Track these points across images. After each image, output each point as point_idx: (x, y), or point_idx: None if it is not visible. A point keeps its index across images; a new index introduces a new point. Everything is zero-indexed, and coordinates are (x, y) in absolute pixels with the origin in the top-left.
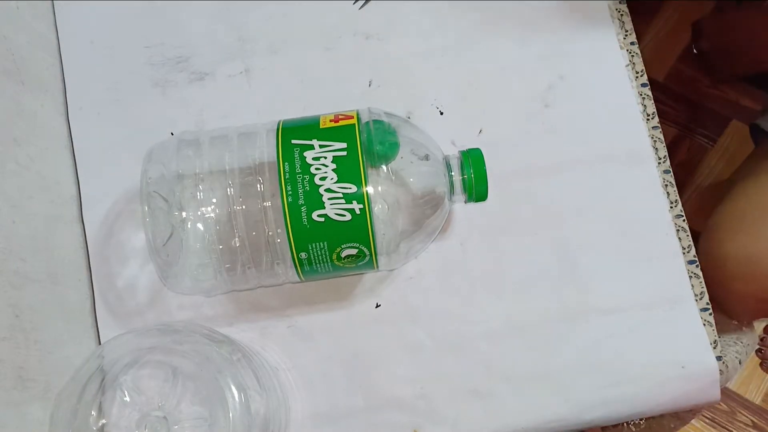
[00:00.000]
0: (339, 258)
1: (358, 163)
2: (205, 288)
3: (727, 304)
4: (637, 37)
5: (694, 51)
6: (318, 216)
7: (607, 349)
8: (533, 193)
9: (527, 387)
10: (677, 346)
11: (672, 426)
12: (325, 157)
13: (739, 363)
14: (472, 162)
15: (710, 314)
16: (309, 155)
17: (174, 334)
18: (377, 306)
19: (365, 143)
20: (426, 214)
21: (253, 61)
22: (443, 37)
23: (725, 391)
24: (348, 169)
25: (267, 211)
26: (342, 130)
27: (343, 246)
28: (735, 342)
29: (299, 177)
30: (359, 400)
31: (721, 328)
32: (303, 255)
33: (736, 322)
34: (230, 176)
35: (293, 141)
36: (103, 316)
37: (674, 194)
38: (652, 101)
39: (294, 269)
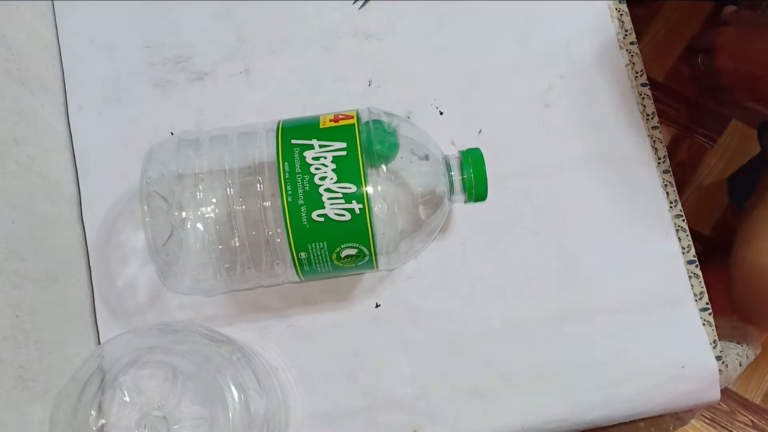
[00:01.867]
0: (339, 258)
1: (358, 162)
2: (205, 288)
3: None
4: (637, 37)
5: (700, 65)
6: (318, 216)
7: (607, 349)
8: (533, 193)
9: (527, 387)
10: (677, 346)
11: (672, 426)
12: (325, 157)
13: (740, 365)
14: (472, 162)
15: (710, 314)
16: (309, 155)
17: (174, 334)
18: (377, 306)
19: (365, 143)
20: (426, 214)
21: (253, 61)
22: (443, 37)
23: (725, 391)
24: (348, 169)
25: (267, 211)
26: (342, 130)
27: (342, 246)
28: (736, 344)
29: (299, 177)
30: (359, 400)
31: (722, 333)
32: (303, 255)
33: (735, 326)
34: (230, 176)
35: (293, 141)
36: (103, 316)
37: (674, 194)
38: (652, 101)
39: (294, 269)
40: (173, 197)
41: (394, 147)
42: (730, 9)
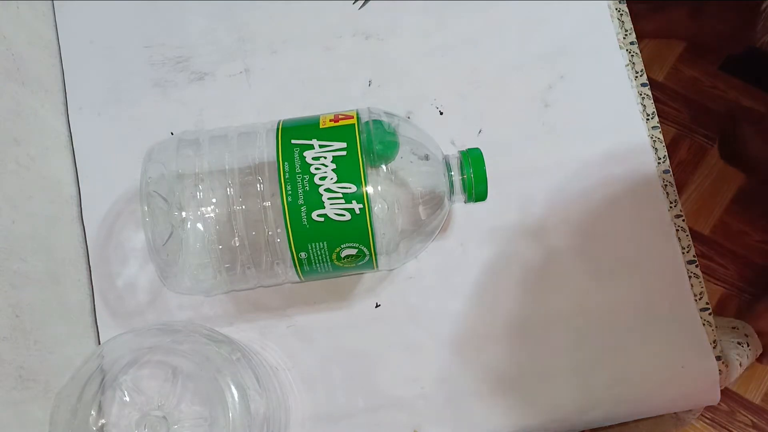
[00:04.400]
0: (339, 258)
1: (358, 162)
2: (205, 288)
3: None
4: (637, 37)
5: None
6: (318, 216)
7: (607, 349)
8: (533, 193)
9: (527, 387)
10: (677, 345)
11: (672, 426)
12: (325, 157)
13: (740, 365)
14: (472, 162)
15: (710, 314)
16: (309, 155)
17: (174, 334)
18: (377, 306)
19: (365, 143)
20: (426, 214)
21: (253, 61)
22: (443, 37)
23: (725, 391)
24: (348, 169)
25: (267, 211)
26: (342, 130)
27: (342, 246)
28: (736, 344)
29: (299, 177)
30: (359, 400)
31: (722, 332)
32: (303, 255)
33: (735, 327)
34: (230, 176)
35: (293, 141)
36: (103, 316)
37: (674, 194)
38: (652, 101)
39: (294, 269)
40: (173, 197)
41: (394, 147)
42: None
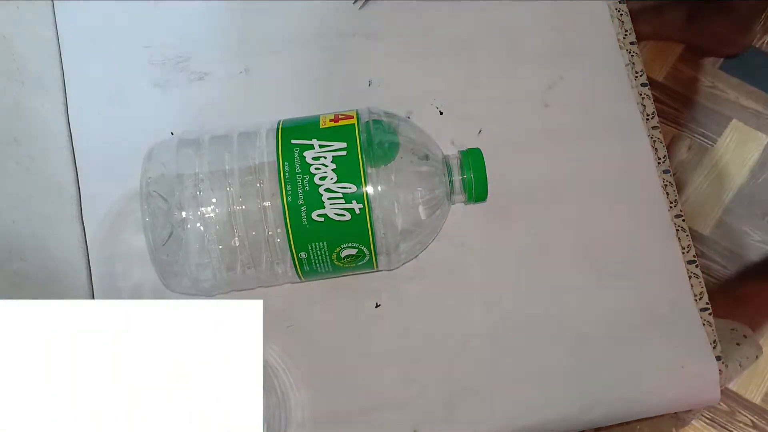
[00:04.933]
0: (339, 258)
1: (358, 162)
2: (205, 288)
3: None
4: (637, 37)
5: None
6: (318, 216)
7: (606, 349)
8: (533, 193)
9: (527, 387)
10: (677, 345)
11: (672, 426)
12: (325, 157)
13: (740, 365)
14: (472, 162)
15: (710, 314)
16: (309, 155)
17: None
18: (377, 306)
19: (365, 143)
20: (426, 214)
21: (253, 61)
22: (443, 37)
23: (725, 391)
24: (348, 169)
25: (267, 211)
26: (342, 130)
27: (342, 246)
28: (736, 344)
29: (299, 177)
30: (359, 400)
31: (722, 335)
32: (303, 255)
33: (734, 329)
34: (230, 176)
35: (293, 141)
36: None
37: (674, 194)
38: (652, 101)
39: (294, 269)
40: (173, 197)
41: (394, 147)
42: None
